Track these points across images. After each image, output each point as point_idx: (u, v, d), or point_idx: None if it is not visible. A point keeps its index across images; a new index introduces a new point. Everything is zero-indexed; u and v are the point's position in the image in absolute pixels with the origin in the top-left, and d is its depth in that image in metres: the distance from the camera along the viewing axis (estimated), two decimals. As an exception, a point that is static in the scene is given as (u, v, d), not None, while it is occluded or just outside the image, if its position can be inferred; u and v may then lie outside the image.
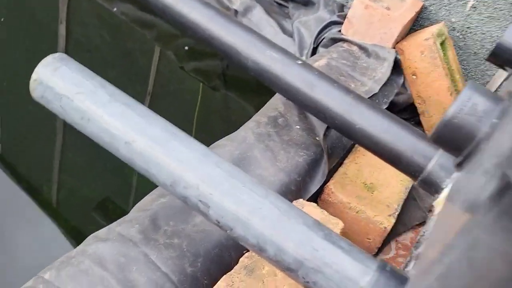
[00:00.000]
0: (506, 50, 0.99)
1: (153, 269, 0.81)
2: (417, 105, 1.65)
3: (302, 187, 1.11)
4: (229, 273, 0.89)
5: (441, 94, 1.60)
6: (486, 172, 0.60)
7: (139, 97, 2.27)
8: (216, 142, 1.14)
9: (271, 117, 1.20)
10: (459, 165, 0.70)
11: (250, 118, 2.01)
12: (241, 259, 0.92)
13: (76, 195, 2.19)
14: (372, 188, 1.25)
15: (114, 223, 0.89)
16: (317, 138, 1.20)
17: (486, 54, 1.79)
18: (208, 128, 2.24)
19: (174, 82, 2.35)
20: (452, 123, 0.67)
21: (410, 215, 1.38)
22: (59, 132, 2.22)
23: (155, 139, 0.74)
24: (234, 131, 1.97)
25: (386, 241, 1.26)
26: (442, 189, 0.94)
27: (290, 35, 1.79)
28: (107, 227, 0.89)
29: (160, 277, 0.81)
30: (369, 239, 1.21)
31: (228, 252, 0.91)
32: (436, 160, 0.94)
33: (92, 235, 0.89)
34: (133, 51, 2.39)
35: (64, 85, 0.77)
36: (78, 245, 2.10)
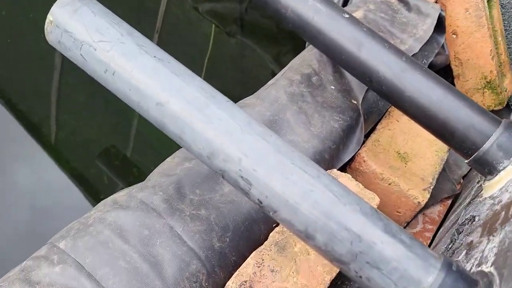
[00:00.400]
0: None
1: (179, 244, 0.73)
2: (453, 67, 1.53)
3: (335, 155, 1.02)
4: (258, 249, 0.81)
5: (481, 58, 1.47)
6: None
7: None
8: (244, 100, 1.03)
9: (304, 75, 1.08)
10: None
11: (267, 69, 1.87)
12: (271, 234, 0.84)
13: (76, 136, 2.09)
14: (406, 158, 1.16)
15: (135, 188, 0.80)
16: (354, 101, 1.10)
17: (530, 16, 1.65)
18: (219, 76, 2.11)
19: (185, 23, 2.19)
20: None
21: (440, 188, 1.30)
22: (56, 69, 2.09)
23: (192, 101, 0.63)
24: (247, 81, 1.85)
25: (416, 214, 1.19)
26: (499, 171, 0.85)
27: (320, -20, 1.63)
28: (126, 191, 0.81)
29: (187, 252, 0.73)
30: (399, 212, 1.14)
31: (258, 226, 0.83)
32: (495, 139, 0.84)
33: (110, 198, 0.80)
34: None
35: (86, 30, 0.65)
36: (79, 187, 2.03)
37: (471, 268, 0.69)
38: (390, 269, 0.58)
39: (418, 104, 0.89)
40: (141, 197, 0.77)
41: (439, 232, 1.16)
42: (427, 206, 1.26)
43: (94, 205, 1.87)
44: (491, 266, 0.63)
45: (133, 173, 2.06)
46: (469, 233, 0.80)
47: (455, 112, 0.87)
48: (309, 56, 1.14)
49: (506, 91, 1.55)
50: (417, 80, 0.89)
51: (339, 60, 0.96)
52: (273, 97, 1.01)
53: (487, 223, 0.76)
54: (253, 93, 1.16)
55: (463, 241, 0.81)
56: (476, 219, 0.83)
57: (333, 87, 1.10)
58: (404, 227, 1.19)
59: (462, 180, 1.38)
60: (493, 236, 0.69)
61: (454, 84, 1.57)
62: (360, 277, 0.60)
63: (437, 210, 1.27)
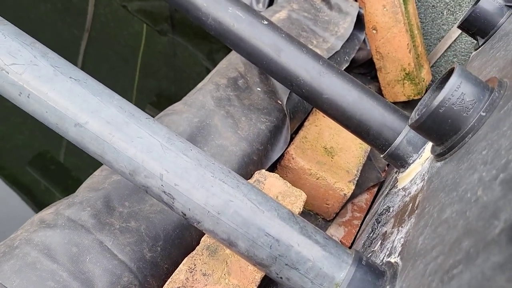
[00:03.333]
0: (479, 18, 0.95)
1: (109, 258, 0.74)
2: (375, 60, 1.62)
3: (264, 155, 1.06)
4: (190, 254, 0.84)
5: (399, 51, 1.57)
6: (470, 168, 0.57)
7: (75, 37, 2.06)
8: (171, 106, 1.05)
9: (231, 79, 1.11)
10: (441, 155, 0.67)
11: (200, 66, 1.88)
12: (203, 239, 0.87)
13: (6, 142, 2.02)
14: (332, 153, 1.23)
15: (62, 205, 0.80)
16: (279, 102, 1.14)
17: (444, 8, 1.76)
18: (153, 75, 2.10)
19: (116, 21, 2.15)
20: (437, 113, 0.63)
21: (366, 177, 1.38)
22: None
23: (111, 121, 0.65)
24: (182, 79, 1.87)
25: (343, 204, 1.26)
26: (409, 164, 0.92)
27: (246, -22, 1.66)
28: (53, 208, 0.80)
29: (117, 266, 0.74)
30: (328, 204, 1.20)
31: (189, 232, 0.86)
32: (404, 135, 0.91)
33: (37, 216, 0.80)
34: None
35: (-4, 53, 0.64)
36: (18, 195, 1.95)
37: (383, 258, 0.75)
38: (307, 268, 0.63)
39: (336, 105, 0.95)
40: (69, 214, 0.77)
41: (365, 220, 1.24)
42: (354, 195, 1.34)
43: (29, 212, 1.80)
44: (397, 256, 0.69)
45: (71, 176, 2.01)
46: (384, 223, 0.87)
47: (369, 111, 0.93)
48: (235, 59, 1.17)
49: (424, 81, 1.65)
50: (334, 82, 0.94)
51: (261, 66, 0.99)
52: (200, 102, 1.03)
53: (398, 214, 0.83)
54: (187, 91, 1.18)
55: (379, 231, 0.87)
56: (391, 209, 0.90)
57: (259, 89, 1.14)
58: (334, 217, 1.26)
59: (386, 168, 1.47)
60: (402, 227, 0.76)
61: (377, 77, 1.66)
62: (281, 278, 0.65)
63: (364, 198, 1.36)
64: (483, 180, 0.48)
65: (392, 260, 0.68)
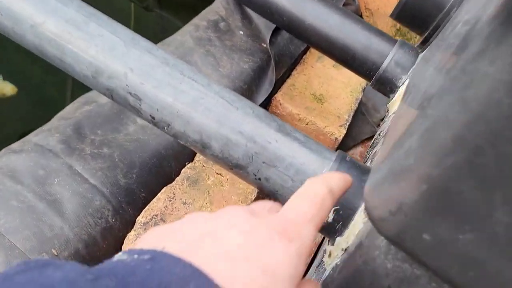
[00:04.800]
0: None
1: (79, 182, 0.70)
2: (364, 17, 1.57)
3: (248, 96, 1.01)
4: (170, 185, 0.79)
5: (389, 6, 1.52)
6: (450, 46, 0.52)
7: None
8: (149, 49, 1.00)
9: (211, 21, 1.07)
10: (423, 43, 0.63)
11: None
12: (183, 170, 0.83)
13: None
14: (322, 100, 1.18)
15: (30, 134, 0.76)
16: (264, 45, 1.09)
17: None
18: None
19: (102, 2, 2.12)
20: (419, -8, 0.58)
21: (359, 130, 1.33)
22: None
23: (69, 20, 0.60)
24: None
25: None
26: (398, 87, 0.87)
27: None
28: (21, 139, 0.76)
29: (88, 189, 0.70)
30: (319, 151, 1.15)
31: (168, 163, 0.81)
32: (391, 57, 0.87)
33: (3, 149, 0.75)
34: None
35: None
36: None
37: (373, 170, 0.70)
38: (286, 165, 0.58)
39: (319, 31, 0.90)
40: (36, 141, 0.73)
41: (359, 167, 1.18)
42: (348, 147, 1.30)
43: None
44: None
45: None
46: (374, 146, 0.82)
47: (353, 35, 0.89)
48: (215, 4, 1.13)
49: (416, 37, 1.61)
50: (316, 7, 0.90)
51: (240, -2, 0.95)
52: (179, 42, 0.99)
53: (386, 133, 0.78)
54: None
55: (369, 155, 0.82)
56: (381, 133, 0.85)
57: (241, 32, 1.09)
58: (327, 168, 1.21)
59: (380, 123, 1.42)
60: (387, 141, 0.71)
61: (368, 35, 1.62)
62: (259, 179, 0.60)
63: (359, 151, 1.31)
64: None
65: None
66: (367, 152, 0.91)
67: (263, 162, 0.59)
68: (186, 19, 2.00)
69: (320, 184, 0.38)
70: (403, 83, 0.86)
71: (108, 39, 0.60)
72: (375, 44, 0.88)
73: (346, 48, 0.89)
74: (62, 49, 0.60)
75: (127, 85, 0.60)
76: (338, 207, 0.57)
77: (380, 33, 0.90)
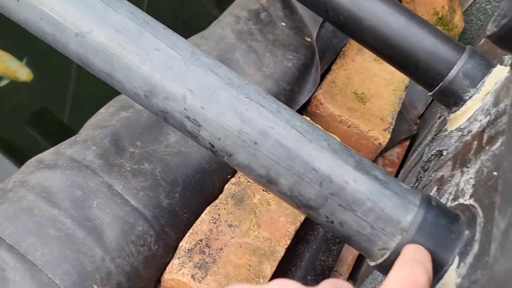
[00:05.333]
0: None
1: (120, 204, 0.63)
2: (404, 3, 1.47)
3: (290, 97, 0.93)
4: (213, 203, 0.72)
5: (432, -7, 1.42)
6: None
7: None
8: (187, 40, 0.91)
9: (252, 11, 0.97)
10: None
11: (209, 16, 1.72)
12: (226, 186, 0.76)
13: (3, 101, 1.89)
14: (364, 99, 1.10)
15: (63, 144, 0.68)
16: (307, 39, 1.00)
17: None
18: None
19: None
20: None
21: (397, 129, 1.25)
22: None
23: (121, 29, 0.52)
24: (190, 33, 1.70)
25: (377, 156, 1.14)
26: (464, 101, 0.79)
27: None
28: (53, 149, 0.68)
29: (130, 213, 0.63)
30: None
31: (211, 179, 0.74)
32: (460, 67, 0.78)
33: (33, 158, 0.68)
34: None
35: None
36: (11, 159, 1.84)
37: (445, 203, 0.63)
38: (365, 210, 0.51)
39: (379, 33, 0.81)
40: (71, 154, 0.65)
41: (400, 173, 1.12)
42: (386, 148, 1.22)
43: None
44: (470, 198, 0.57)
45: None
46: (438, 168, 0.75)
47: (418, 40, 0.80)
48: (255, -10, 1.02)
49: (457, 27, 1.51)
50: (377, 7, 0.81)
51: (290, -10, 0.86)
52: (219, 35, 0.90)
53: (457, 155, 0.71)
54: None
55: (432, 177, 0.75)
56: (444, 153, 0.77)
57: (284, 24, 1.00)
58: (364, 171, 1.14)
59: (418, 120, 1.35)
60: (467, 167, 0.64)
61: (405, 23, 1.51)
62: (332, 222, 0.53)
63: (396, 152, 1.23)
64: None
65: (465, 203, 0.56)
66: (419, 171, 0.84)
67: (339, 205, 0.52)
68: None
69: (420, 273, 0.39)
70: (470, 97, 0.78)
71: (165, 54, 0.52)
72: (441, 52, 0.79)
73: (409, 54, 0.80)
74: (112, 63, 0.52)
75: (185, 108, 0.52)
76: (423, 261, 0.50)
77: (448, 39, 0.81)
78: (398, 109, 1.12)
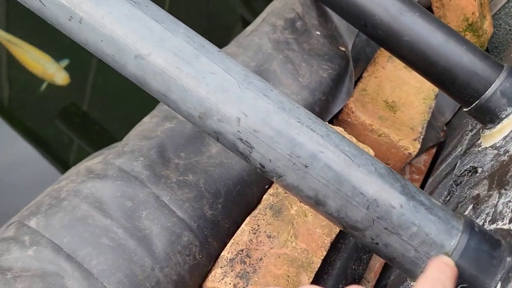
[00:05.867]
0: None
1: (167, 215, 0.65)
2: (434, 9, 1.46)
3: (324, 107, 0.95)
4: (253, 214, 0.75)
5: (463, -1, 1.41)
6: None
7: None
8: (224, 48, 0.93)
9: (288, 20, 0.99)
10: None
11: (235, 14, 1.74)
12: (265, 197, 0.78)
13: (29, 94, 1.92)
14: (394, 108, 1.11)
15: (110, 154, 0.71)
16: (341, 48, 1.01)
17: (510, -47, 1.58)
18: (183, 22, 1.96)
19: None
20: None
21: (425, 137, 1.26)
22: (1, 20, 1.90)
23: (178, 53, 0.54)
24: (215, 29, 1.75)
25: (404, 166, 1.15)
26: (500, 119, 0.80)
27: None
28: (101, 157, 0.71)
29: (176, 224, 0.65)
30: (389, 164, 1.09)
31: (251, 189, 0.76)
32: (497, 86, 0.79)
33: (83, 166, 0.70)
34: None
35: (41, -33, 0.53)
36: (39, 150, 1.88)
37: (483, 224, 0.65)
38: (411, 234, 0.53)
39: (417, 49, 0.82)
40: (120, 164, 0.68)
41: (428, 182, 1.13)
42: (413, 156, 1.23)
43: (56, 168, 1.72)
44: (509, 223, 0.59)
45: (95, 130, 1.93)
46: (474, 185, 0.77)
47: (457, 57, 0.81)
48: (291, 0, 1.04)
49: (486, 33, 1.50)
50: (417, 23, 0.81)
51: (329, 2, 0.87)
52: (257, 45, 0.91)
53: (494, 175, 0.72)
54: (220, 41, 1.06)
55: (467, 195, 0.77)
56: (479, 170, 0.79)
57: (318, 33, 1.01)
58: (392, 179, 1.15)
59: (445, 127, 1.35)
60: (506, 189, 0.65)
61: (434, 28, 1.51)
62: (377, 243, 0.55)
63: (423, 160, 1.25)
64: None
65: (505, 227, 0.58)
66: (451, 185, 0.86)
67: (385, 228, 0.53)
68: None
69: None
70: (507, 116, 0.79)
71: (221, 78, 0.54)
72: (479, 70, 0.80)
73: (447, 71, 0.81)
74: (168, 85, 0.54)
75: (238, 131, 0.54)
76: (466, 285, 0.52)
77: (486, 57, 0.81)
78: (428, 118, 1.13)
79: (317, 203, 0.55)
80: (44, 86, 1.64)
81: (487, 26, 1.53)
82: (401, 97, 1.14)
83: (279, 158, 0.54)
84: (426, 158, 1.25)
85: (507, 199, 0.63)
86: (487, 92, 0.80)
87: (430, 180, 1.11)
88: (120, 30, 0.54)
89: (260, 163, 0.55)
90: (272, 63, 0.90)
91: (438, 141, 1.27)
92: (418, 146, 1.06)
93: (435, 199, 0.56)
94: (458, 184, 0.85)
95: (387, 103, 1.11)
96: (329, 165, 0.53)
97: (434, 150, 1.27)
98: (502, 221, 0.60)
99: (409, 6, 0.82)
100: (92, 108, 1.89)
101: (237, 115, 0.54)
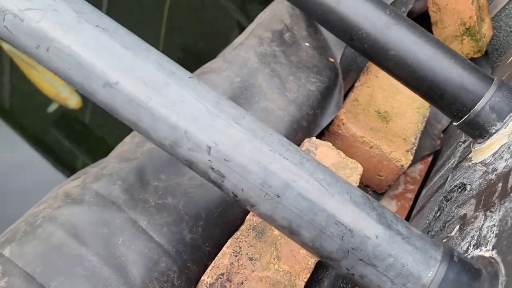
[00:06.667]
0: None
1: (145, 240, 0.64)
2: (431, 13, 1.44)
3: (312, 121, 0.93)
4: (235, 235, 0.73)
5: (460, 2, 1.38)
6: None
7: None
8: (208, 64, 0.92)
9: (276, 32, 0.97)
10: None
11: (231, 19, 1.72)
12: (248, 217, 0.76)
13: (29, 100, 1.93)
14: (387, 118, 1.09)
15: (89, 177, 0.70)
16: (331, 60, 1.00)
17: (509, -46, 1.55)
18: (180, 30, 1.96)
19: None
20: None
21: (420, 145, 1.24)
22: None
23: (147, 80, 0.52)
24: (211, 34, 1.72)
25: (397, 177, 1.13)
26: (490, 134, 0.78)
27: None
28: (79, 180, 0.70)
29: (154, 249, 0.64)
30: (381, 176, 1.08)
31: (233, 210, 0.75)
32: (487, 100, 0.77)
33: (62, 190, 0.70)
34: None
35: (7, -5, 0.52)
36: (38, 153, 1.88)
37: (467, 248, 0.63)
38: (386, 265, 0.51)
39: (404, 64, 0.80)
40: (97, 189, 0.67)
41: (422, 193, 1.11)
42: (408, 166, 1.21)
43: (54, 174, 1.72)
44: (492, 249, 0.57)
45: (95, 135, 1.93)
46: (461, 204, 0.75)
47: (445, 71, 0.79)
48: (280, 10, 1.02)
49: (484, 37, 1.47)
50: (403, 36, 0.80)
51: (316, 16, 0.85)
52: (242, 59, 0.90)
53: (481, 194, 0.70)
54: (216, 47, 1.05)
55: (454, 213, 0.75)
56: (468, 188, 0.77)
57: (307, 44, 0.99)
58: (386, 190, 1.14)
59: (441, 135, 1.33)
60: (491, 212, 0.63)
61: (431, 32, 1.49)
62: (353, 274, 0.53)
63: (418, 169, 1.22)
64: None
65: (487, 255, 0.56)
66: (442, 200, 0.84)
67: (360, 259, 0.52)
68: (231, -1, 1.88)
69: None
70: (496, 131, 0.77)
71: (191, 106, 0.53)
72: (468, 83, 0.78)
73: (435, 86, 0.79)
74: (138, 114, 0.53)
75: (209, 160, 0.53)
76: (444, 319, 0.50)
77: (475, 70, 0.79)
78: (422, 128, 1.11)
79: (291, 233, 0.54)
80: (54, 107, 1.65)
81: (486, 29, 1.50)
82: (394, 107, 1.12)
83: (251, 188, 0.53)
84: (421, 167, 1.23)
85: (491, 223, 0.61)
86: (476, 107, 0.78)
87: (424, 191, 1.09)
88: (88, 58, 0.53)
89: (232, 192, 0.54)
90: (257, 78, 0.88)
91: (434, 149, 1.25)
92: (411, 157, 1.04)
93: (413, 227, 0.55)
94: (448, 200, 0.83)
95: (379, 113, 1.09)
96: (302, 194, 0.52)
97: (430, 159, 1.25)
98: (486, 247, 0.58)
99: (396, 19, 0.80)
100: (93, 116, 1.89)
101: (208, 144, 0.52)
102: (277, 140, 0.54)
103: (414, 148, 1.06)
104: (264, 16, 1.02)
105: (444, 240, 0.71)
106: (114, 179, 0.68)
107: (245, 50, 0.92)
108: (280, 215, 0.53)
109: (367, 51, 0.82)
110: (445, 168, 1.01)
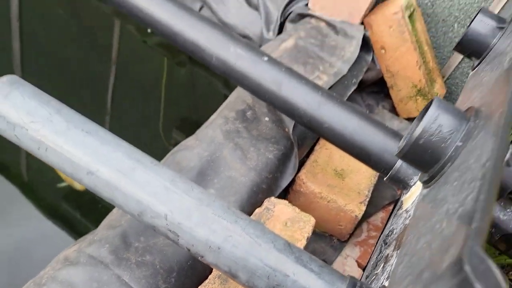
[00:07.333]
0: (472, 40, 0.98)
1: (127, 291, 0.81)
2: (386, 78, 1.65)
3: (273, 183, 1.11)
4: (203, 284, 0.90)
5: (409, 69, 1.59)
6: (443, 199, 0.60)
7: (101, 69, 2.18)
8: (184, 141, 1.12)
9: (239, 111, 1.17)
10: (426, 182, 0.71)
11: (219, 94, 1.96)
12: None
13: (43, 175, 2.14)
14: (343, 175, 1.26)
15: (84, 243, 0.87)
16: (287, 130, 1.19)
17: (454, 21, 1.78)
18: (175, 104, 2.20)
19: (138, 56, 2.27)
20: (417, 145, 0.67)
21: (380, 195, 1.41)
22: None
23: (119, 167, 0.72)
24: (201, 107, 1.94)
25: (358, 224, 1.29)
26: (410, 186, 0.95)
27: (256, 8, 1.73)
28: (76, 246, 0.88)
29: (135, 298, 0.81)
30: (341, 226, 1.23)
31: (201, 263, 0.91)
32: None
33: (62, 255, 0.87)
34: (92, 27, 2.28)
35: (17, 113, 0.73)
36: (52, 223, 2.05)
37: (382, 282, 0.78)
38: (303, 297, 0.67)
39: (337, 133, 0.99)
40: (90, 252, 0.85)
41: (379, 239, 1.26)
42: (369, 214, 1.37)
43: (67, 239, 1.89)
44: (387, 280, 0.73)
45: (103, 204, 2.12)
46: (388, 245, 0.90)
47: (369, 138, 0.97)
48: (243, 92, 1.23)
49: (437, 95, 1.67)
50: (334, 112, 0.99)
51: (265, 99, 1.05)
52: (210, 137, 1.09)
53: (399, 237, 0.86)
54: (207, 117, 1.25)
55: (383, 254, 0.90)
56: (394, 232, 0.93)
57: (267, 119, 1.19)
58: (349, 238, 1.29)
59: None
60: (399, 251, 0.79)
61: (389, 94, 1.69)
62: (280, 306, 0.69)
63: (380, 217, 1.38)
64: (449, 212, 0.51)
65: (386, 284, 0.72)
66: (382, 244, 0.99)
67: (284, 293, 0.68)
68: (215, 74, 2.13)
69: None
70: (414, 184, 0.94)
71: (152, 185, 0.71)
72: (389, 146, 0.96)
73: (363, 149, 0.97)
74: (113, 193, 0.72)
75: (167, 224, 0.71)
76: (349, 336, 0.65)
77: (395, 135, 0.98)
78: (375, 182, 1.28)
79: (232, 276, 0.70)
80: (64, 184, 1.86)
81: (438, 88, 1.70)
82: (350, 165, 1.29)
83: (199, 244, 0.70)
84: (383, 215, 1.38)
85: (396, 259, 0.77)
86: (396, 165, 0.95)
87: (380, 237, 1.24)
88: (75, 154, 0.72)
89: (186, 247, 0.71)
90: (223, 151, 1.07)
91: (394, 198, 1.41)
92: (363, 208, 1.20)
93: (326, 265, 0.71)
94: (386, 244, 0.99)
95: (336, 171, 1.27)
96: (236, 246, 0.69)
97: (391, 207, 1.40)
98: (389, 279, 0.74)
99: (327, 98, 1.00)
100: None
101: (165, 212, 0.71)
102: (219, 205, 0.72)
103: (367, 199, 1.22)
104: (230, 99, 1.23)
105: (372, 278, 0.86)
106: (102, 243, 0.86)
107: (213, 129, 1.12)
108: (222, 262, 0.70)
109: (307, 125, 1.02)
110: (392, 217, 1.17)
